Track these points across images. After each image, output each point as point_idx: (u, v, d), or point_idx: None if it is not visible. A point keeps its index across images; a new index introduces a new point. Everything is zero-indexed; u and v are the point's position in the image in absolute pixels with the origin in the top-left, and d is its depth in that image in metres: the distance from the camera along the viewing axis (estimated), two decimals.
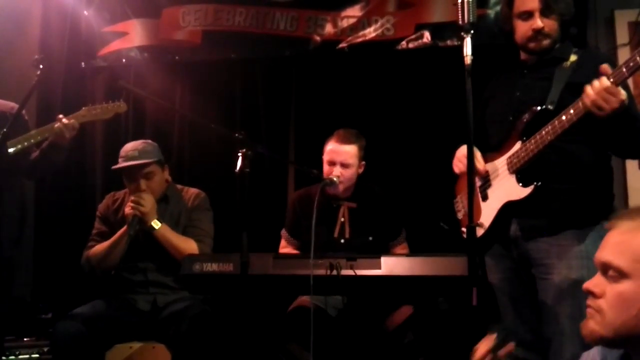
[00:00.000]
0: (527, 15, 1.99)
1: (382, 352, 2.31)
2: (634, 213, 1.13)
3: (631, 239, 1.09)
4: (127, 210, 2.45)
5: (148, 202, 2.47)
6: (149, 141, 2.66)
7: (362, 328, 2.31)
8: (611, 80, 1.70)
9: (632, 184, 2.91)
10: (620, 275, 1.09)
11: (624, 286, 1.08)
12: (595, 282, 1.13)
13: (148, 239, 2.50)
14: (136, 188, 2.53)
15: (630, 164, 2.91)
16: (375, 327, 2.37)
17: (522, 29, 2.02)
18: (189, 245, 2.50)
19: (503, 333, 1.34)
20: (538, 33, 1.98)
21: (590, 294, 1.13)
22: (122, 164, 2.55)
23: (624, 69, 1.69)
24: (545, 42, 1.99)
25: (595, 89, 1.71)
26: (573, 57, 1.98)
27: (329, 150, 2.55)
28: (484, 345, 1.32)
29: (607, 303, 1.09)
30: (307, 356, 1.92)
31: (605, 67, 1.73)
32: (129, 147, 2.59)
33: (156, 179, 2.59)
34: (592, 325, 1.12)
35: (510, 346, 1.34)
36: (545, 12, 1.97)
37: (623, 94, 1.72)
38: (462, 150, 2.13)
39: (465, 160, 2.04)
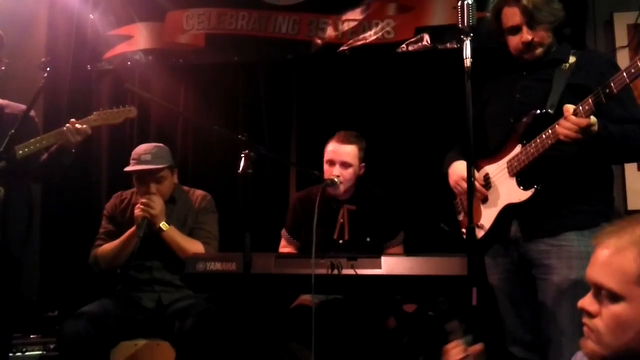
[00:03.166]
0: (515, 30, 2.01)
1: (382, 351, 2.33)
2: (621, 230, 1.09)
3: (620, 260, 1.06)
4: (137, 212, 2.47)
5: (157, 204, 2.49)
6: (161, 145, 2.67)
7: (363, 327, 2.33)
8: (581, 115, 1.73)
9: (630, 186, 2.92)
10: (614, 297, 1.05)
11: (619, 308, 1.05)
12: (590, 301, 1.10)
13: (155, 239, 2.53)
14: (146, 191, 2.56)
15: (629, 166, 2.92)
16: (375, 326, 2.39)
17: (513, 42, 2.04)
18: (195, 247, 2.53)
19: (469, 337, 1.33)
20: (529, 44, 1.99)
21: (586, 312, 1.10)
22: (134, 166, 2.56)
23: (590, 101, 1.71)
24: (538, 51, 2.01)
25: (568, 126, 1.73)
26: (572, 59, 1.99)
27: (329, 151, 2.58)
28: (456, 351, 1.31)
29: (603, 323, 1.06)
30: (308, 354, 1.95)
31: (567, 106, 1.76)
32: (142, 149, 2.60)
33: (166, 183, 2.62)
34: (591, 345, 1.09)
35: (479, 346, 1.32)
36: (531, 24, 1.97)
37: (594, 121, 1.73)
38: (458, 171, 2.12)
39: (463, 183, 2.06)
